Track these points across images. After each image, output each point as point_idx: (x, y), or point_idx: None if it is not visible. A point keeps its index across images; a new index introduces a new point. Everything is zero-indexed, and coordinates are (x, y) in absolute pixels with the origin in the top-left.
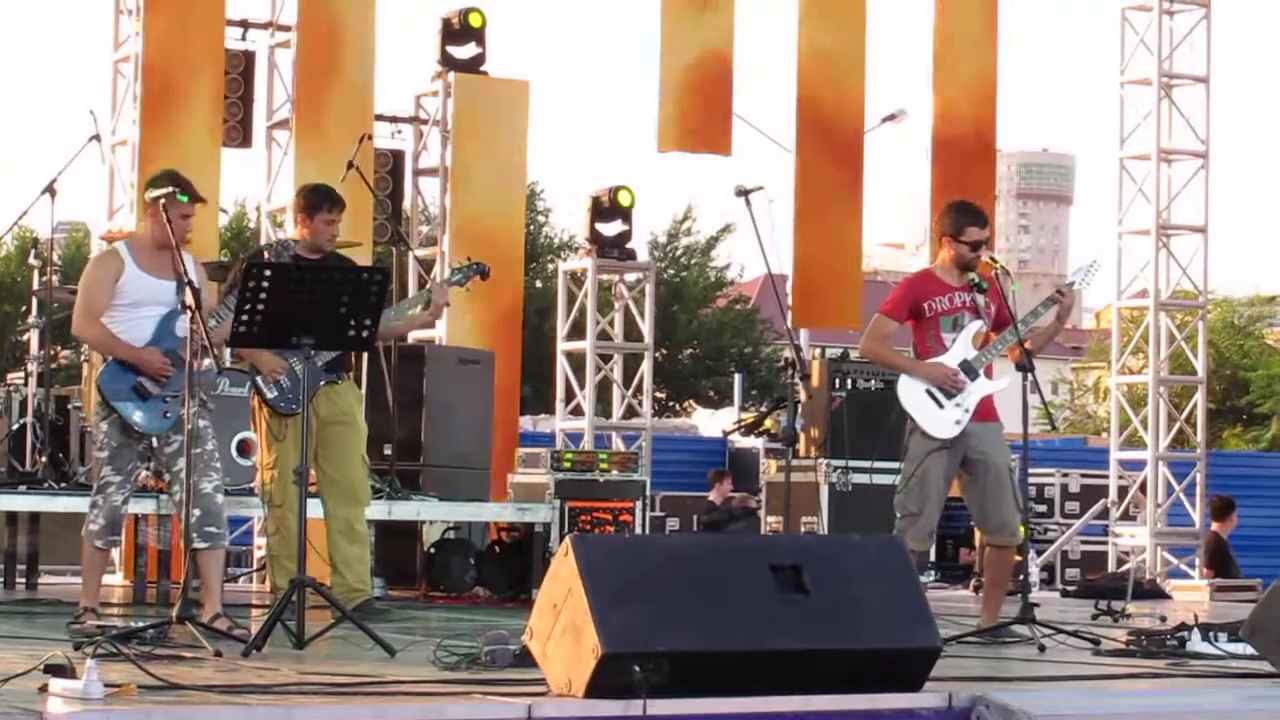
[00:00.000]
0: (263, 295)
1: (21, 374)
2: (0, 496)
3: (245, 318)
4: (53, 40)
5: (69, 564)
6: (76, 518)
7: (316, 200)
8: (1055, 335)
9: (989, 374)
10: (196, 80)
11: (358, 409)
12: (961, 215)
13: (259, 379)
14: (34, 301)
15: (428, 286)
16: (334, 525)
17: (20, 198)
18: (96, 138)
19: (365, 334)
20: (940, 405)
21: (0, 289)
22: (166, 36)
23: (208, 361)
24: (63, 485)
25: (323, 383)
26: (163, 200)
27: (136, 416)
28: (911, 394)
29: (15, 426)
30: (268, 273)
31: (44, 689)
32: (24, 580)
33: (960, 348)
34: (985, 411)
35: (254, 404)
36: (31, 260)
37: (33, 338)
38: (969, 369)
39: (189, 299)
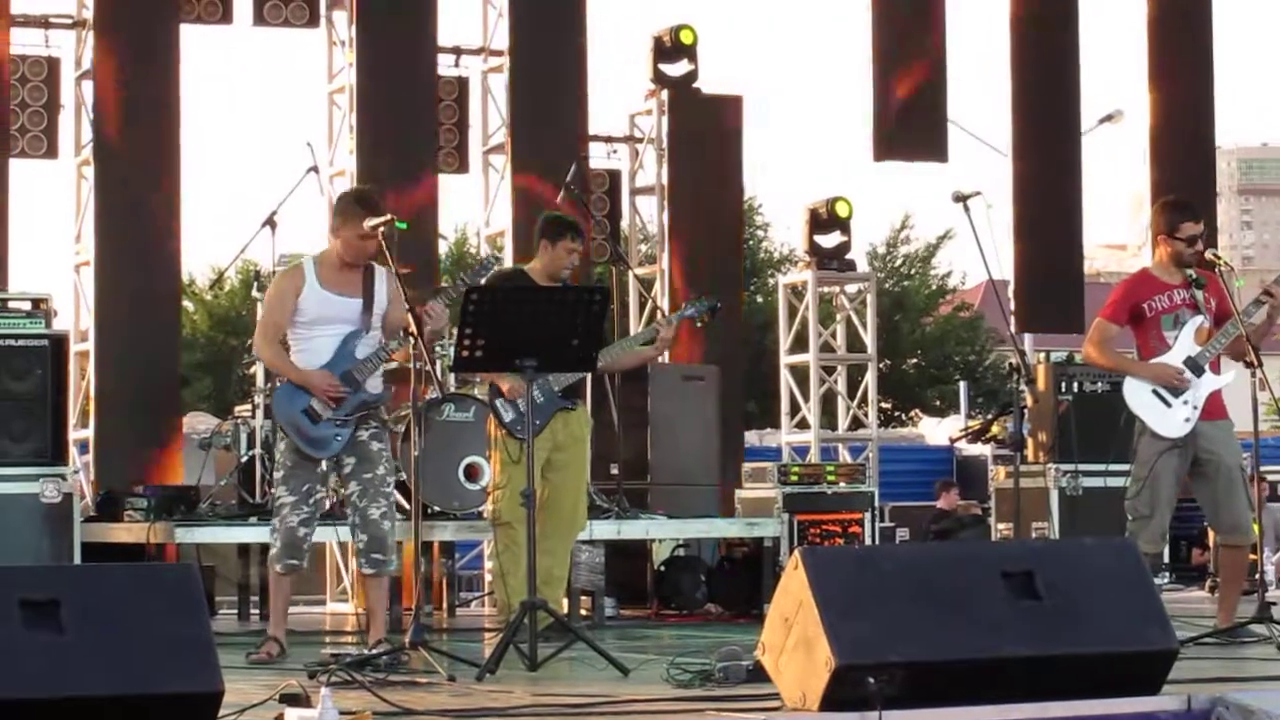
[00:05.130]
0: (484, 319)
1: (249, 406)
2: (231, 529)
3: (467, 342)
4: (268, 74)
5: (300, 594)
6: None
7: (561, 229)
8: (1267, 333)
9: (1214, 369)
10: (409, 108)
11: (588, 436)
12: (1175, 212)
13: (499, 402)
14: None
15: (655, 324)
16: (543, 546)
17: (242, 231)
18: (314, 169)
19: (586, 354)
20: (1168, 404)
21: (225, 322)
22: (379, 67)
23: (378, 384)
24: None
25: (560, 408)
26: (382, 229)
27: (306, 441)
28: (1138, 395)
29: (244, 459)
30: (487, 297)
31: (280, 718)
32: (257, 611)
33: (1183, 345)
34: (1214, 409)
35: (490, 428)
36: (254, 293)
37: (259, 370)
38: (1194, 365)
39: (412, 327)
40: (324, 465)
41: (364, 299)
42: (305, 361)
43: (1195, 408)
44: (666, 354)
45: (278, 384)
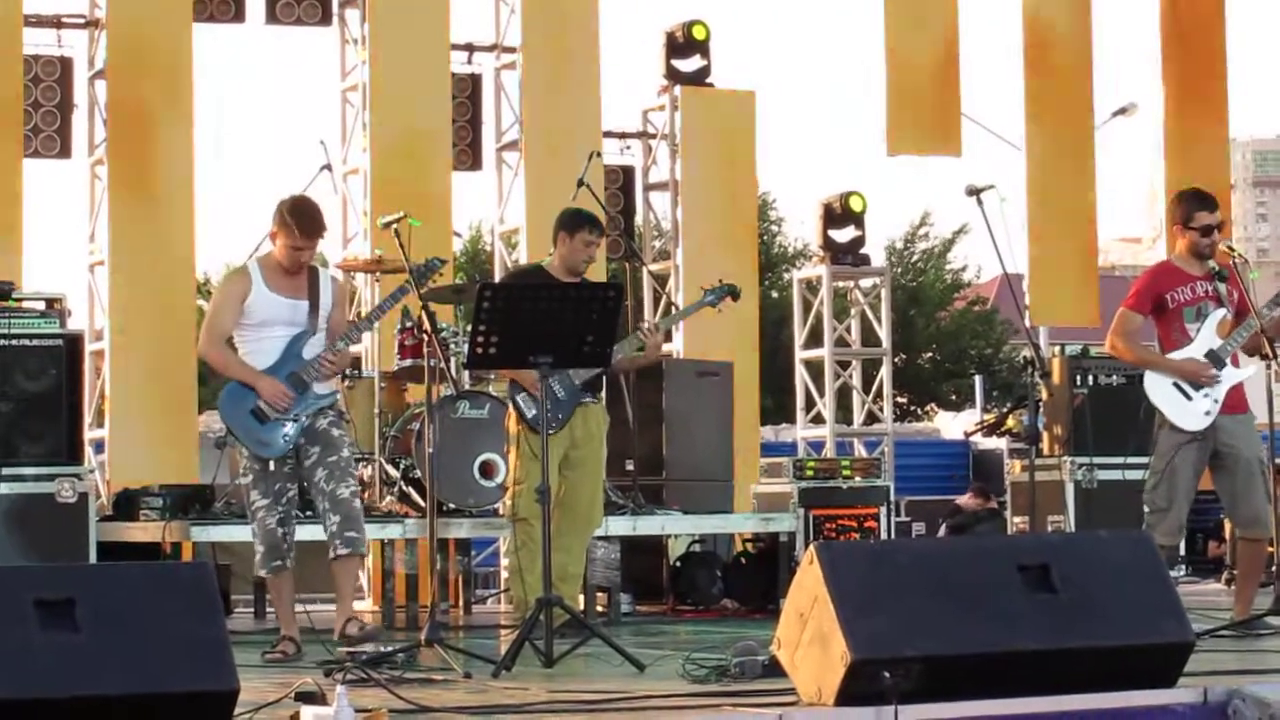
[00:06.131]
0: (497, 317)
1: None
2: (248, 527)
3: (481, 340)
4: (281, 72)
5: (316, 592)
6: (322, 545)
7: (578, 220)
8: None
9: (1235, 362)
10: (422, 105)
11: (604, 433)
12: (1189, 202)
13: (519, 398)
14: None
15: (637, 331)
16: (559, 543)
17: (256, 229)
18: (328, 167)
19: (601, 350)
20: (1189, 398)
21: None
22: (392, 64)
23: (325, 385)
24: (308, 514)
25: (580, 402)
26: (395, 226)
27: (255, 441)
28: (1159, 388)
29: None
30: (500, 294)
31: (295, 717)
32: (273, 610)
33: (1205, 337)
34: (1235, 402)
35: (508, 424)
36: None
37: None
38: (1215, 358)
39: (426, 324)
40: (289, 464)
41: (310, 301)
42: (253, 363)
43: (1216, 401)
44: (681, 350)
45: (225, 386)
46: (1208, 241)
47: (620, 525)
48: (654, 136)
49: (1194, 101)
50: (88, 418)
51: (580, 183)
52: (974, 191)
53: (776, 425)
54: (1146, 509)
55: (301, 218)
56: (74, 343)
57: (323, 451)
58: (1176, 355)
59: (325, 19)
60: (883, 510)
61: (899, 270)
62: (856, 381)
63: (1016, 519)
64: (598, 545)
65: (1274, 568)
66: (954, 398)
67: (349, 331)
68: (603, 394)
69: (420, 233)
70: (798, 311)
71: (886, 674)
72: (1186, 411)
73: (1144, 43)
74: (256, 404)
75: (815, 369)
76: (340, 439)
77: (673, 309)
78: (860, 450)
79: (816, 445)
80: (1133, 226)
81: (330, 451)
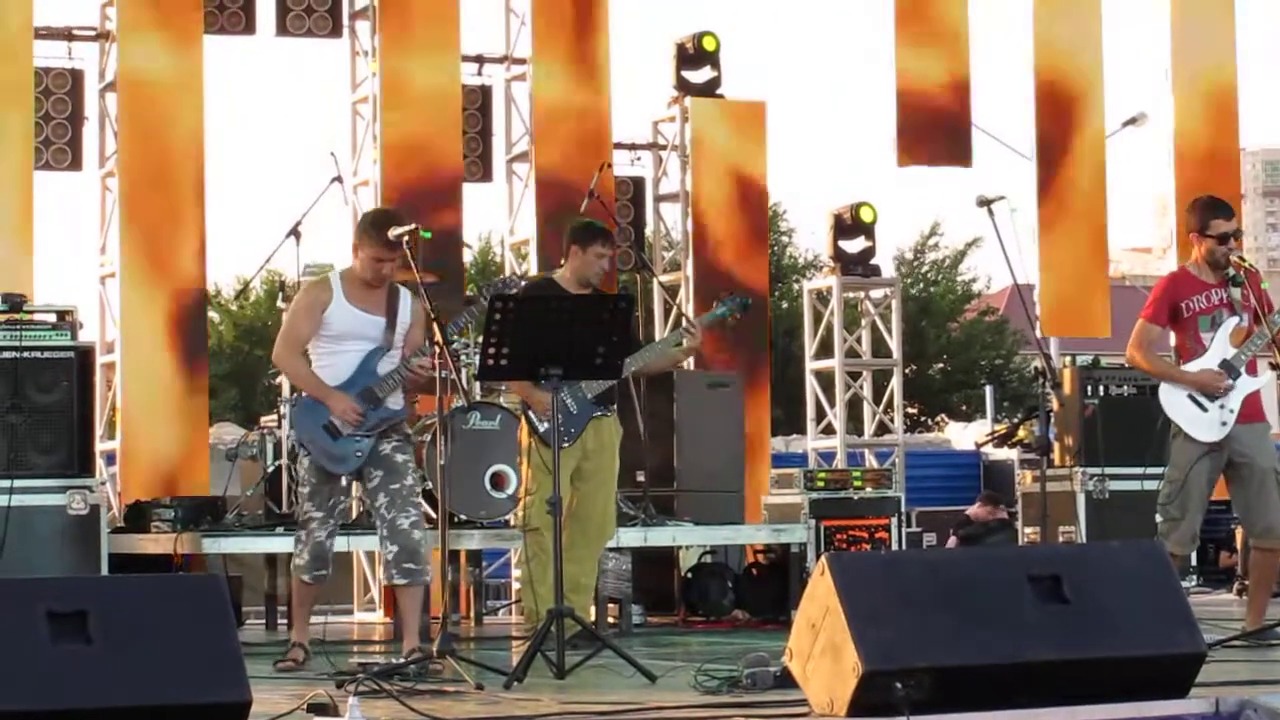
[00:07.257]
0: (508, 328)
1: (275, 417)
2: (258, 539)
3: (492, 351)
4: (292, 84)
5: (328, 603)
6: (340, 557)
7: (591, 234)
8: None
9: (1251, 370)
10: (432, 117)
11: (617, 444)
12: (1205, 210)
13: (531, 412)
14: None
15: (683, 326)
16: (571, 554)
17: (267, 241)
18: (338, 179)
19: (612, 361)
20: (1204, 409)
21: (251, 333)
22: (402, 76)
23: (397, 400)
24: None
25: (593, 415)
26: (406, 238)
27: (327, 457)
28: (1174, 400)
29: (270, 469)
30: (512, 305)
31: None
32: (285, 621)
33: (1219, 347)
34: (1251, 412)
35: (521, 436)
36: (280, 304)
37: (284, 381)
38: (1229, 368)
39: (436, 335)
40: (347, 479)
41: (387, 317)
42: (327, 376)
43: (1231, 411)
44: (692, 361)
45: (300, 398)
46: (1224, 249)
47: (631, 536)
48: (664, 147)
49: (1204, 111)
50: (99, 430)
51: (590, 194)
52: (985, 202)
53: (787, 436)
54: (1160, 518)
55: (383, 225)
56: (85, 355)
57: (385, 477)
58: (1191, 366)
59: (336, 31)
60: (894, 521)
61: (909, 281)
62: (867, 392)
63: (1028, 530)
64: (609, 556)
65: None
66: (965, 408)
67: (425, 350)
68: (615, 406)
69: (431, 245)
70: (808, 322)
71: (898, 685)
72: (1202, 423)
73: (1154, 52)
74: (329, 419)
75: (826, 380)
76: (405, 465)
77: (683, 320)
78: (871, 461)
79: (827, 456)
80: (1143, 237)
81: (394, 478)
